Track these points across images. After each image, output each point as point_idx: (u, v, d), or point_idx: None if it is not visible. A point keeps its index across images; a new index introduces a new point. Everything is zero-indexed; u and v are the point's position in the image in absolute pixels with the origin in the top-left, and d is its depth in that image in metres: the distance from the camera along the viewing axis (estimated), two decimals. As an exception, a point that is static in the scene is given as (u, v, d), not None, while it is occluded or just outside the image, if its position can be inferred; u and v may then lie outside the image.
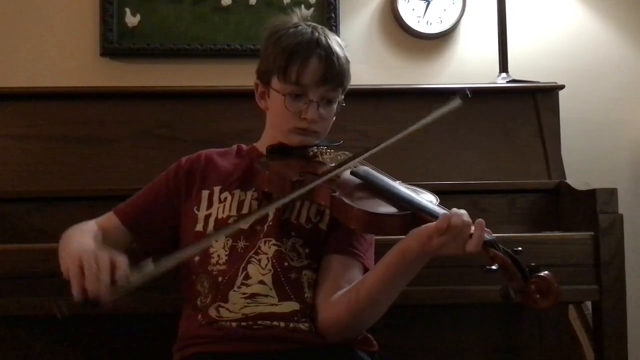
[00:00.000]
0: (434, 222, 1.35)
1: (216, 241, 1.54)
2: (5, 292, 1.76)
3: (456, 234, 1.34)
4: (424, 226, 1.38)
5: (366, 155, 1.51)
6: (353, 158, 1.52)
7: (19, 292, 1.76)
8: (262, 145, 1.69)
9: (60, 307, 1.33)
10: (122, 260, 1.35)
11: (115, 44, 2.57)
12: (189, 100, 2.32)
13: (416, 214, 1.41)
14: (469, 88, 1.51)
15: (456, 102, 1.49)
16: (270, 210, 1.51)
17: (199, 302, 1.54)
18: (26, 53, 2.57)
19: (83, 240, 1.46)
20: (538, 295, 1.32)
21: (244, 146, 1.73)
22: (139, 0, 2.59)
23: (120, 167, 2.21)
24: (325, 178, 1.47)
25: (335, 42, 1.62)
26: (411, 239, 1.39)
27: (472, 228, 1.35)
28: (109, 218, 1.65)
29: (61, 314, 1.31)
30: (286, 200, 1.46)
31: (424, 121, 1.49)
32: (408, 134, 1.49)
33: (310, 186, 1.46)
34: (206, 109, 2.30)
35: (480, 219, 1.36)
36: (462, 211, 1.37)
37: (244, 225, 1.52)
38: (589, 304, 2.06)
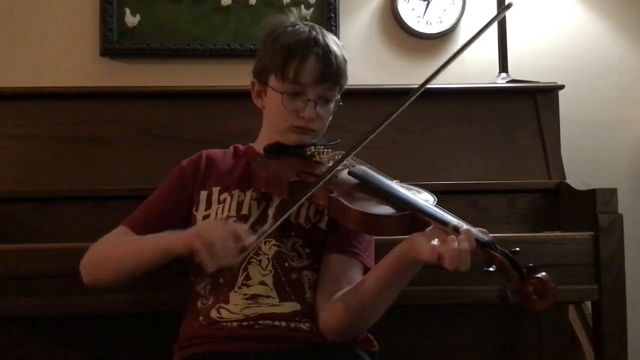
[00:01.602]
0: (426, 250, 1.33)
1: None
2: (5, 292, 1.75)
3: (446, 258, 1.31)
4: (419, 243, 1.36)
5: (364, 144, 1.50)
6: (349, 154, 1.51)
7: (19, 292, 1.76)
8: (258, 145, 1.69)
9: (204, 288, 1.52)
10: (242, 230, 1.40)
11: (115, 44, 2.57)
12: (189, 100, 2.32)
13: (414, 215, 1.41)
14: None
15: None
16: (281, 215, 1.49)
17: (199, 304, 1.54)
18: (26, 53, 2.57)
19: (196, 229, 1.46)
20: (535, 297, 1.32)
21: (240, 146, 1.73)
22: (139, 0, 2.59)
23: (120, 167, 2.21)
24: (327, 177, 1.47)
25: (333, 41, 1.62)
26: (407, 248, 1.40)
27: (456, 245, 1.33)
28: (122, 231, 1.62)
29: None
30: (299, 203, 1.47)
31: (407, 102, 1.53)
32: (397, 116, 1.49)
33: (316, 187, 1.45)
34: (206, 109, 2.30)
35: (462, 236, 1.33)
36: (461, 238, 1.33)
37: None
38: (589, 304, 2.06)
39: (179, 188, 1.64)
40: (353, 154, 1.51)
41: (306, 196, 1.45)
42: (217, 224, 1.46)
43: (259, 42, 1.69)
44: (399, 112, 1.51)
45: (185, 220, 1.60)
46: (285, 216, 1.46)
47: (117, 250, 1.55)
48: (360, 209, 1.42)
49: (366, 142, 1.49)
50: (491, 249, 1.35)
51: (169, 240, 1.47)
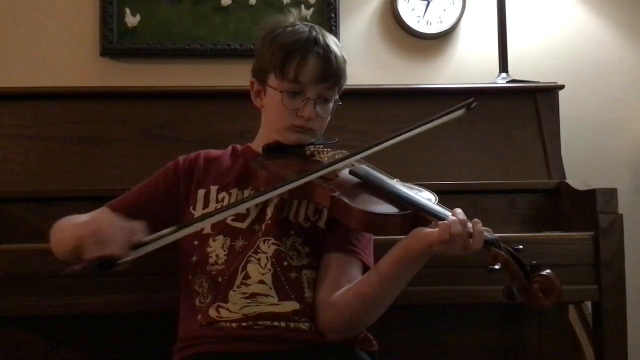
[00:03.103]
0: (436, 231, 1.35)
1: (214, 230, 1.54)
2: (5, 292, 1.75)
3: (457, 239, 1.34)
4: (425, 230, 1.38)
5: (363, 154, 1.50)
6: (350, 156, 1.51)
7: (19, 292, 1.76)
8: (257, 144, 1.69)
9: (73, 269, 1.32)
10: (138, 224, 1.34)
11: (115, 44, 2.57)
12: (189, 100, 2.32)
13: (417, 213, 1.41)
14: (473, 101, 1.52)
15: (460, 112, 1.51)
16: (274, 196, 1.47)
17: (197, 303, 1.54)
18: (26, 53, 2.57)
19: (88, 219, 1.44)
20: (541, 294, 1.32)
21: (238, 146, 1.73)
22: (139, 0, 2.59)
23: (120, 167, 2.21)
24: (322, 172, 1.46)
25: (332, 41, 1.63)
26: (412, 241, 1.39)
27: (470, 226, 1.36)
28: (102, 212, 1.60)
29: (73, 272, 1.31)
30: (285, 189, 1.43)
31: (425, 126, 1.50)
32: (406, 138, 1.49)
33: (310, 177, 1.45)
34: (206, 109, 2.30)
35: (476, 219, 1.37)
36: (459, 212, 1.37)
37: (241, 210, 1.50)
38: (589, 304, 2.06)
39: (168, 182, 1.64)
40: (337, 167, 1.50)
41: (276, 191, 1.42)
42: (112, 218, 1.39)
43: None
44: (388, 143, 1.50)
45: (175, 219, 1.58)
46: (231, 210, 1.42)
47: (60, 228, 1.55)
48: (363, 208, 1.42)
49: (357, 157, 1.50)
50: (496, 247, 1.35)
51: (68, 232, 1.46)
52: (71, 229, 1.46)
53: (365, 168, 1.56)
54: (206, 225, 1.50)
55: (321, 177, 1.49)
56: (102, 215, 1.47)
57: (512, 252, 1.35)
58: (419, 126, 1.51)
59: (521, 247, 1.37)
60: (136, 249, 1.30)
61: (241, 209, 1.49)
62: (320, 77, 1.58)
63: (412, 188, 1.51)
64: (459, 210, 1.38)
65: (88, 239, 1.31)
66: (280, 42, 1.59)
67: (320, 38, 1.60)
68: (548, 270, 1.33)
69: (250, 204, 1.47)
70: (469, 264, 1.70)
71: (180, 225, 1.38)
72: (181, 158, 1.68)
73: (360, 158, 1.55)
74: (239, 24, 2.61)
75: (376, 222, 1.43)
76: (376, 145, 1.50)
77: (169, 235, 1.34)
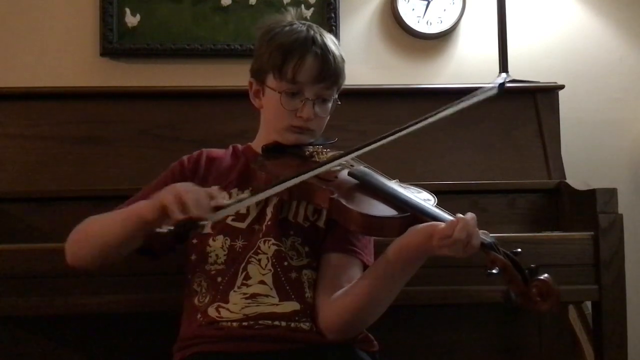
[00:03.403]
0: (440, 223, 1.35)
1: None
2: (5, 292, 1.75)
3: (457, 240, 1.33)
4: (425, 223, 1.38)
5: (364, 150, 1.49)
6: (348, 153, 1.50)
7: (19, 292, 1.76)
8: (257, 144, 1.69)
9: (162, 230, 1.36)
10: (216, 190, 1.40)
11: (115, 44, 2.57)
12: (189, 100, 2.32)
13: (416, 216, 1.41)
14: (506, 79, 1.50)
15: (492, 91, 1.48)
16: (276, 191, 1.46)
17: (196, 301, 1.54)
18: (26, 53, 2.57)
19: (166, 189, 1.43)
20: (539, 298, 1.32)
21: (239, 146, 1.73)
22: (139, 0, 2.58)
23: (120, 167, 2.21)
24: (322, 169, 1.46)
25: (331, 40, 1.62)
26: (411, 236, 1.39)
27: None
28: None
29: (166, 232, 1.35)
30: (285, 185, 1.43)
31: (454, 108, 1.47)
32: (407, 133, 1.49)
33: (312, 173, 1.44)
34: (206, 109, 2.30)
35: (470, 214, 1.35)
36: (470, 217, 1.35)
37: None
38: (589, 304, 2.06)
39: (176, 182, 1.63)
40: (335, 164, 1.50)
41: (298, 179, 1.43)
42: (192, 184, 1.44)
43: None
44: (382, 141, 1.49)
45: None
46: (269, 194, 1.43)
47: (96, 223, 1.54)
48: (362, 211, 1.42)
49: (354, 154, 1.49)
50: (494, 251, 1.35)
51: (140, 205, 1.46)
52: (128, 210, 1.47)
53: (364, 169, 1.56)
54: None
55: (320, 178, 1.48)
56: (174, 183, 1.46)
57: (511, 255, 1.35)
58: (447, 108, 1.47)
59: (519, 250, 1.37)
60: (216, 212, 1.37)
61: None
62: (319, 77, 1.57)
63: (411, 189, 1.51)
64: (470, 217, 1.35)
65: (172, 204, 1.34)
66: (278, 42, 1.59)
67: (318, 37, 1.59)
68: (546, 275, 1.33)
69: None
70: (468, 264, 1.70)
71: (254, 191, 1.44)
72: (185, 158, 1.68)
73: (362, 155, 1.55)
74: (239, 24, 2.61)
75: (375, 225, 1.42)
76: (382, 138, 1.46)
77: (247, 199, 1.42)
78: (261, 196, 1.44)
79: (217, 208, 1.37)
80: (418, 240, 1.38)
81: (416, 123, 1.47)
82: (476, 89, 2.43)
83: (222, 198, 1.39)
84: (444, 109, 1.47)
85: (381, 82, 2.57)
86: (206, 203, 1.35)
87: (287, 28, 1.61)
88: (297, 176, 1.43)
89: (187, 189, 1.37)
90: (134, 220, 1.46)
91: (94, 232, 1.53)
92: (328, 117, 1.64)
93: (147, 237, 1.50)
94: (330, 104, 1.62)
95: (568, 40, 2.71)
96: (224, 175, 1.64)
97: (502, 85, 1.47)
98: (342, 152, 1.55)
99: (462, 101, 1.46)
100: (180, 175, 1.64)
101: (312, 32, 1.60)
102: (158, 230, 1.36)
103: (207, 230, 1.44)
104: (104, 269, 1.59)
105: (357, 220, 1.42)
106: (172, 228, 1.33)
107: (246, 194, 1.43)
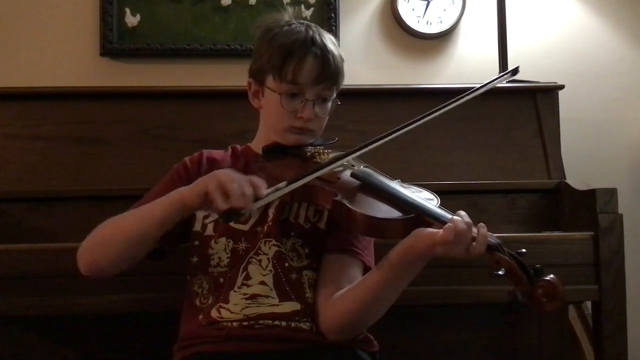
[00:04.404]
0: (440, 232, 1.34)
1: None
2: (6, 292, 1.75)
3: (460, 242, 1.34)
4: (428, 230, 1.37)
5: (365, 150, 1.50)
6: (351, 153, 1.50)
7: (19, 292, 1.76)
8: (256, 145, 1.68)
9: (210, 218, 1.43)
10: (258, 179, 1.40)
11: (115, 44, 2.57)
12: (189, 100, 2.31)
13: (419, 217, 1.40)
14: (517, 68, 1.55)
15: (504, 78, 1.53)
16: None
17: (198, 303, 1.54)
18: (26, 53, 2.57)
19: (210, 176, 1.43)
20: (545, 299, 1.32)
21: (238, 147, 1.72)
22: (139, 0, 2.59)
23: (120, 167, 2.21)
24: (325, 170, 1.46)
25: (330, 40, 1.62)
26: (415, 241, 1.38)
27: (475, 230, 1.35)
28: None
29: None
30: (323, 171, 1.46)
31: (465, 98, 1.52)
32: (407, 130, 1.49)
33: (318, 174, 1.45)
34: (206, 109, 2.30)
35: (482, 223, 1.37)
36: (464, 215, 1.37)
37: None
38: (589, 304, 2.06)
39: (181, 184, 1.63)
40: (338, 164, 1.50)
41: (328, 168, 1.45)
42: (233, 171, 1.43)
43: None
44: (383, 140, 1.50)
45: (187, 220, 1.59)
46: (301, 182, 1.43)
47: (119, 223, 1.50)
48: (365, 213, 1.41)
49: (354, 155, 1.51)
50: (499, 252, 1.34)
51: (179, 192, 1.45)
52: (169, 196, 1.46)
53: (366, 170, 1.55)
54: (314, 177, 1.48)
55: (323, 179, 1.48)
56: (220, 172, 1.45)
57: (516, 256, 1.35)
58: (460, 99, 1.52)
59: (524, 250, 1.37)
60: (257, 201, 1.37)
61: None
62: (319, 77, 1.57)
63: (413, 190, 1.50)
64: (463, 213, 1.37)
65: (215, 192, 1.35)
66: (278, 43, 1.58)
67: (317, 38, 1.59)
68: (552, 275, 1.33)
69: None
70: (469, 264, 1.69)
71: (291, 180, 1.42)
72: (187, 159, 1.67)
73: (362, 157, 1.55)
74: (239, 24, 2.61)
75: (379, 227, 1.42)
76: (377, 140, 1.48)
77: (284, 189, 1.41)
78: (296, 185, 1.43)
79: (258, 197, 1.37)
80: (422, 246, 1.37)
81: (417, 120, 1.47)
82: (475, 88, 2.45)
83: (263, 184, 1.39)
84: (446, 105, 1.51)
85: (381, 82, 2.57)
86: (249, 193, 1.36)
87: (286, 28, 1.61)
88: (326, 166, 1.46)
89: (231, 178, 1.37)
90: (174, 206, 1.44)
91: (121, 231, 1.49)
92: (327, 117, 1.64)
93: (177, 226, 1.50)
94: (330, 104, 1.62)
95: (568, 40, 2.71)
96: (225, 177, 1.63)
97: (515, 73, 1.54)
98: (344, 152, 1.55)
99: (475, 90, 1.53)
100: (185, 176, 1.63)
101: (311, 33, 1.60)
102: (204, 212, 1.41)
103: (254, 215, 1.48)
104: (121, 272, 1.54)
105: (361, 222, 1.41)
106: (217, 216, 1.36)
107: (282, 184, 1.41)
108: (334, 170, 1.51)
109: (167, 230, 1.48)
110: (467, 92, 1.54)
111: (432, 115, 1.51)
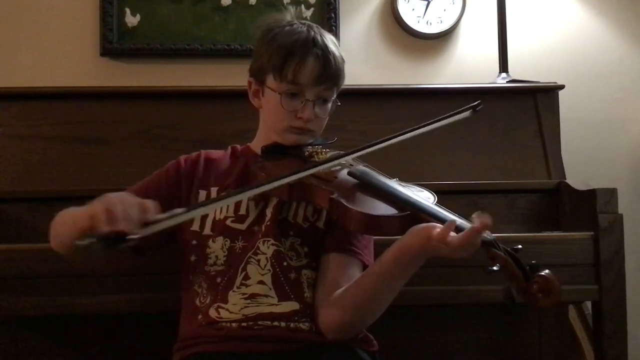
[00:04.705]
0: (439, 226, 1.34)
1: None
2: (5, 292, 1.75)
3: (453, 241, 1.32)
4: (425, 224, 1.37)
5: (361, 153, 1.50)
6: (348, 154, 1.50)
7: (19, 292, 1.76)
8: (256, 145, 1.68)
9: (82, 242, 1.27)
10: (150, 203, 1.32)
11: (115, 44, 2.57)
12: (189, 100, 2.32)
13: (416, 215, 1.40)
14: (479, 104, 1.53)
15: (465, 114, 1.51)
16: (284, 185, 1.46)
17: (197, 303, 1.54)
18: (26, 53, 2.57)
19: (101, 198, 1.37)
20: (541, 295, 1.32)
21: (238, 146, 1.72)
22: (139, 0, 2.59)
23: (120, 167, 2.21)
24: (321, 167, 1.46)
25: (331, 40, 1.62)
26: (412, 237, 1.38)
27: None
28: None
29: (86, 244, 1.26)
30: (288, 180, 1.43)
31: (428, 127, 1.50)
32: (407, 138, 1.49)
33: (309, 172, 1.44)
34: (206, 109, 2.30)
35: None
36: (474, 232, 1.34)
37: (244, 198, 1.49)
38: (589, 304, 2.06)
39: (170, 181, 1.63)
40: (335, 164, 1.51)
41: (267, 187, 1.41)
42: (126, 195, 1.38)
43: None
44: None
45: None
46: (234, 198, 1.42)
47: (64, 214, 1.53)
48: (362, 210, 1.41)
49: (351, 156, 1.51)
50: (495, 248, 1.35)
51: (77, 212, 1.42)
52: (80, 210, 1.40)
53: (363, 169, 1.56)
54: (212, 210, 1.50)
55: (320, 178, 1.48)
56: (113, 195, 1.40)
57: (511, 252, 1.35)
58: (423, 127, 1.51)
59: (520, 246, 1.37)
60: (147, 227, 1.28)
61: (250, 194, 1.45)
62: (319, 78, 1.57)
63: (411, 188, 1.51)
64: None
65: (100, 214, 1.27)
66: (279, 43, 1.58)
67: (319, 38, 1.59)
68: (547, 271, 1.33)
69: (258, 191, 1.43)
70: (468, 264, 1.69)
71: (191, 207, 1.37)
72: (182, 158, 1.68)
73: (359, 157, 1.55)
74: (239, 24, 2.61)
75: (375, 224, 1.42)
76: (375, 144, 1.49)
77: (180, 216, 1.32)
78: (194, 213, 1.38)
79: (149, 223, 1.28)
80: (417, 241, 1.37)
81: (415, 129, 1.48)
82: (476, 89, 2.46)
83: (156, 213, 1.31)
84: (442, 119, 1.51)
85: (381, 82, 2.57)
86: (136, 217, 1.27)
87: (287, 28, 1.61)
88: (298, 172, 1.43)
89: (120, 200, 1.30)
90: (70, 224, 1.44)
91: (57, 226, 1.55)
92: (327, 118, 1.64)
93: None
94: (330, 105, 1.62)
95: (568, 40, 2.71)
96: (224, 177, 1.63)
97: (476, 108, 1.52)
98: (341, 152, 1.55)
99: (435, 121, 1.51)
100: (176, 174, 1.64)
101: (312, 33, 1.59)
102: (78, 242, 1.30)
103: (133, 243, 1.28)
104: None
105: (357, 220, 1.41)
106: (93, 240, 1.24)
107: (180, 210, 1.33)
108: (331, 169, 1.52)
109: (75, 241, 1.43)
110: (429, 122, 1.53)
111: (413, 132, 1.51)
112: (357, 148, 1.50)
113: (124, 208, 1.27)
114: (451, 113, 1.51)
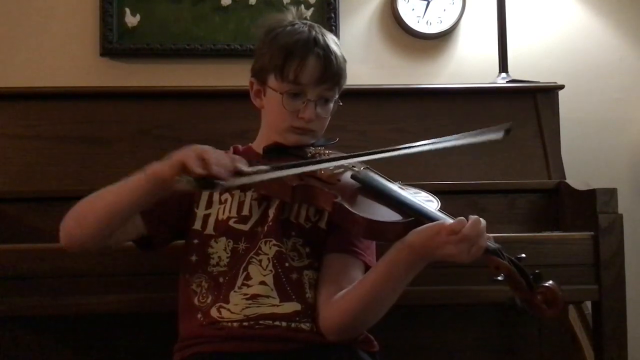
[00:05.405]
0: (448, 220, 1.35)
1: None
2: (5, 292, 1.75)
3: (465, 237, 1.33)
4: (426, 225, 1.37)
5: (363, 159, 1.50)
6: (353, 156, 1.50)
7: (19, 292, 1.76)
8: (258, 145, 1.68)
9: (181, 182, 1.33)
10: (240, 157, 1.39)
11: (115, 44, 2.57)
12: (189, 100, 2.31)
13: (420, 221, 1.39)
14: (511, 126, 1.52)
15: (497, 134, 1.50)
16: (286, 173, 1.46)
17: (196, 302, 1.53)
18: (26, 53, 2.57)
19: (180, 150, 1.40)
20: (544, 305, 1.32)
21: (239, 147, 1.72)
22: (139, 0, 2.59)
23: (120, 167, 2.21)
24: (322, 166, 1.46)
25: (332, 40, 1.61)
26: (415, 236, 1.38)
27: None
28: None
29: (185, 184, 1.32)
30: (308, 168, 1.45)
31: (454, 142, 1.51)
32: (419, 151, 1.50)
33: (314, 167, 1.45)
34: (206, 109, 2.29)
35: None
36: (478, 220, 1.35)
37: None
38: (589, 304, 2.06)
39: None
40: (335, 164, 1.51)
41: (315, 166, 1.45)
42: (215, 149, 1.40)
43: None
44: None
45: (185, 217, 1.59)
46: (285, 173, 1.42)
47: (98, 198, 1.49)
48: (365, 216, 1.40)
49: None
50: (499, 257, 1.34)
51: (152, 168, 1.42)
52: (157, 165, 1.42)
53: (367, 172, 1.55)
54: (298, 172, 1.47)
55: (323, 181, 1.48)
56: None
57: (515, 261, 1.34)
58: (450, 140, 1.52)
59: (524, 255, 1.37)
60: (235, 176, 1.35)
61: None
62: (321, 78, 1.57)
63: (414, 192, 1.50)
64: (478, 220, 1.35)
65: (194, 159, 1.32)
66: (280, 43, 1.58)
67: (320, 38, 1.59)
68: (551, 282, 1.33)
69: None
70: (468, 265, 1.70)
71: (275, 166, 1.41)
72: None
73: (362, 161, 1.55)
74: (239, 24, 2.61)
75: (378, 230, 1.41)
76: (386, 151, 1.49)
77: (266, 173, 1.39)
78: (280, 173, 1.41)
79: (237, 173, 1.35)
80: (423, 238, 1.36)
81: (443, 141, 1.50)
82: (476, 89, 2.46)
83: (243, 163, 1.38)
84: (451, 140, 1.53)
85: (381, 82, 2.57)
86: (228, 163, 1.35)
87: (289, 28, 1.60)
88: (317, 163, 1.45)
89: (211, 148, 1.36)
90: (150, 181, 1.42)
91: (98, 205, 1.48)
92: (329, 118, 1.64)
93: (157, 202, 1.47)
94: (331, 105, 1.62)
95: (568, 40, 2.71)
96: (225, 177, 1.63)
97: (508, 131, 1.50)
98: (344, 154, 1.54)
99: (462, 137, 1.52)
100: None
101: (314, 33, 1.59)
102: (177, 185, 1.33)
103: (221, 189, 1.39)
104: (100, 247, 1.55)
105: (361, 225, 1.41)
106: (191, 179, 1.30)
107: (265, 167, 1.40)
108: (334, 172, 1.51)
109: (142, 207, 1.47)
110: (457, 137, 1.54)
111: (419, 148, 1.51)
112: (367, 152, 1.50)
113: (216, 155, 1.34)
114: (483, 130, 1.50)
